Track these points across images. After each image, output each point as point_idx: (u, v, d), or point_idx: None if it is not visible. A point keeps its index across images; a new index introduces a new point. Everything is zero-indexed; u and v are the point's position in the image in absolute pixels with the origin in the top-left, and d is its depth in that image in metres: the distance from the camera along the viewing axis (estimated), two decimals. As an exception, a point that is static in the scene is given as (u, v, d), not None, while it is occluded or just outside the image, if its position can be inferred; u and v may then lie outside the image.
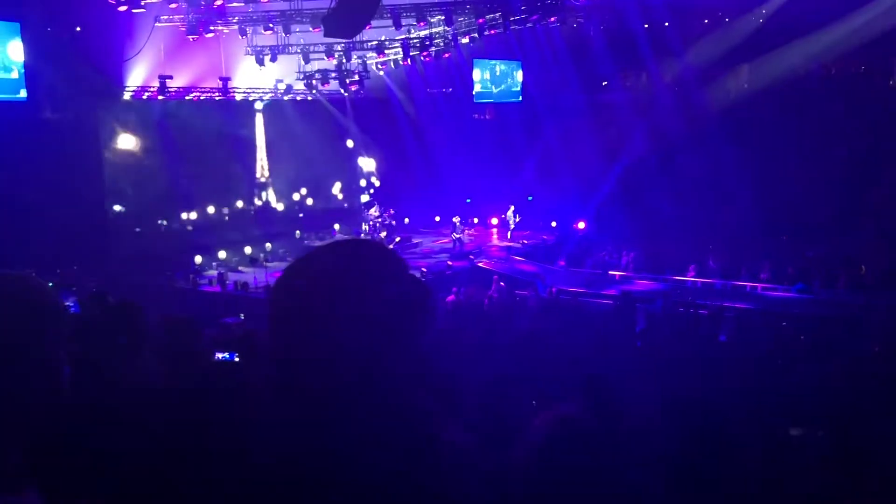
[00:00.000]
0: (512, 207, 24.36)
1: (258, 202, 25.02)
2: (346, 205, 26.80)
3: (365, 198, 25.53)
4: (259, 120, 24.76)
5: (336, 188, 26.55)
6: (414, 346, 1.17)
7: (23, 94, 17.10)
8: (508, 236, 24.16)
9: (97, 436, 1.71)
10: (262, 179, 25.09)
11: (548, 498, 1.77)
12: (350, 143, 26.14)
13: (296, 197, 25.54)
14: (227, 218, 23.17)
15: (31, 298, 1.32)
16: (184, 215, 22.05)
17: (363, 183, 26.42)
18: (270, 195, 25.19)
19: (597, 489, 1.77)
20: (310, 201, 25.66)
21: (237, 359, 3.58)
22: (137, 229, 20.19)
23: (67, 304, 9.21)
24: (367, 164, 26.47)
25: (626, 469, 2.06)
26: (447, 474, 1.20)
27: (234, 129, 23.42)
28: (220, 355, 3.54)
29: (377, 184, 26.46)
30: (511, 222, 24.34)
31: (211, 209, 22.87)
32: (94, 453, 1.65)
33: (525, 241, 23.81)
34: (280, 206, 25.24)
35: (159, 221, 21.29)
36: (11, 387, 1.25)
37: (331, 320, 1.12)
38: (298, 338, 1.14)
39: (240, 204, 24.06)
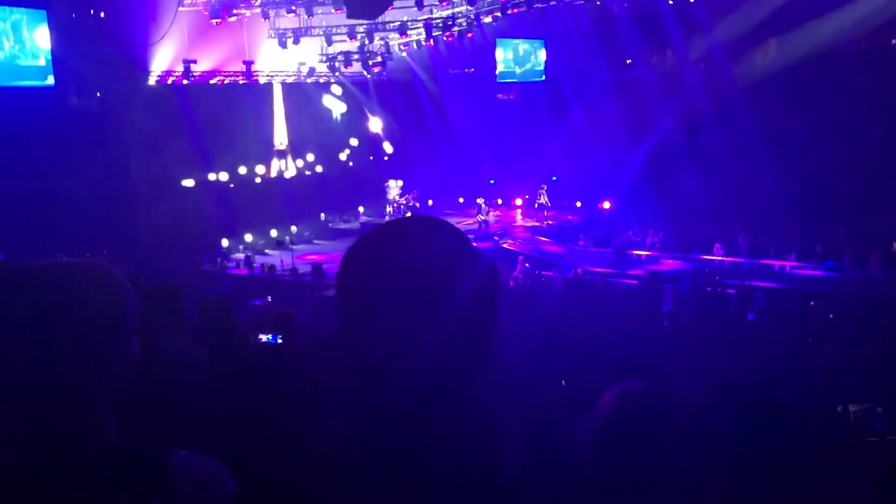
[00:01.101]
0: (545, 186, 24.23)
1: (274, 170, 24.80)
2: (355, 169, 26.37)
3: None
4: (277, 90, 24.65)
5: (343, 155, 26.14)
6: (487, 329, 1.15)
7: (50, 80, 17.28)
8: (545, 214, 24.03)
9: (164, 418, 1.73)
10: (281, 147, 25.00)
11: (615, 472, 1.77)
12: (336, 90, 25.76)
13: (299, 164, 25.01)
14: (231, 185, 22.55)
15: (115, 286, 1.34)
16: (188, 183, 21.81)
17: (354, 142, 25.88)
18: (289, 163, 24.96)
19: (665, 463, 1.77)
20: (319, 168, 25.27)
21: (280, 341, 3.59)
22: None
23: None
24: (374, 125, 26.34)
25: (690, 445, 2.04)
26: (511, 459, 1.19)
27: (254, 107, 23.36)
28: (263, 337, 3.56)
29: (389, 150, 26.32)
30: (544, 199, 24.17)
31: (224, 175, 22.50)
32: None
33: (550, 222, 23.72)
34: (290, 173, 25.03)
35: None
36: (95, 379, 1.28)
37: (411, 302, 1.09)
38: (370, 321, 1.11)
39: (243, 171, 23.29)
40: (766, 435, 2.14)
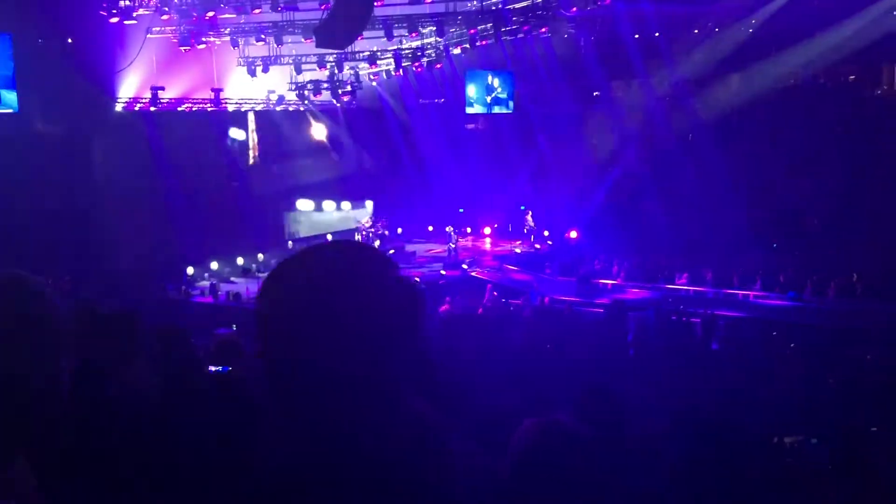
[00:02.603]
0: (530, 211, 24.41)
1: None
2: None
3: None
4: (251, 117, 24.77)
5: None
6: (411, 349, 1.16)
7: (14, 105, 17.07)
8: (532, 239, 24.22)
9: (97, 445, 1.69)
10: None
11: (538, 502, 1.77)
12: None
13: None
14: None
15: (24, 301, 1.27)
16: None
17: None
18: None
19: (587, 495, 1.77)
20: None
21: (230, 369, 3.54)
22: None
23: None
24: (318, 131, 26.33)
25: (621, 475, 2.06)
26: (448, 481, 1.19)
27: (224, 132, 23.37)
28: (213, 368, 3.50)
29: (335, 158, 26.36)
30: (531, 224, 24.35)
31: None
32: (95, 462, 1.64)
33: (518, 250, 23.89)
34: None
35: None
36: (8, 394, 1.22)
37: (324, 325, 1.10)
38: (291, 347, 1.12)
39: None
40: (716, 461, 2.17)
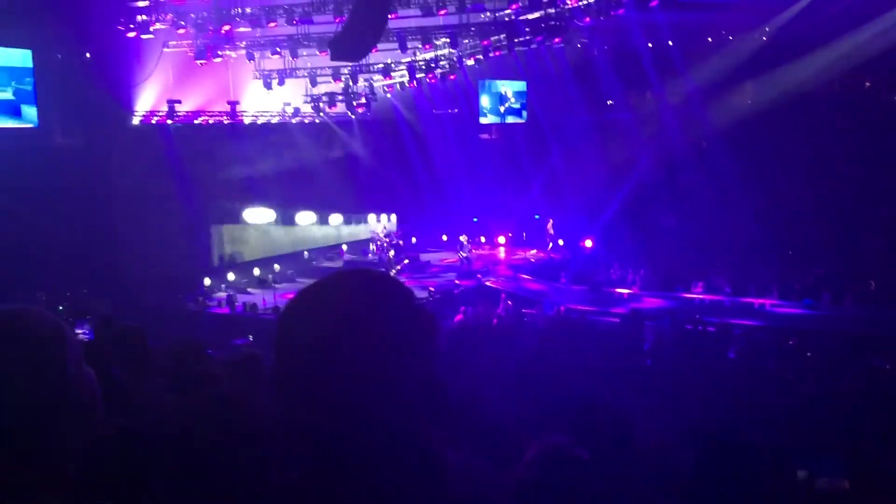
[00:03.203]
0: (551, 221, 24.52)
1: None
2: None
3: None
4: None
5: None
6: (423, 374, 1.19)
7: (34, 120, 17.30)
8: (550, 247, 24.33)
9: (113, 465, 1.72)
10: None
11: None
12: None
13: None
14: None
15: (28, 340, 1.23)
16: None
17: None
18: None
19: None
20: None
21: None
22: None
23: (81, 332, 9.25)
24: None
25: (624, 494, 2.08)
26: (456, 499, 1.22)
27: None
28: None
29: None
30: (551, 233, 24.52)
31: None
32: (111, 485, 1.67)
33: (532, 259, 23.92)
34: None
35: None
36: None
37: (339, 353, 1.13)
38: (306, 370, 1.15)
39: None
40: (727, 476, 2.19)
